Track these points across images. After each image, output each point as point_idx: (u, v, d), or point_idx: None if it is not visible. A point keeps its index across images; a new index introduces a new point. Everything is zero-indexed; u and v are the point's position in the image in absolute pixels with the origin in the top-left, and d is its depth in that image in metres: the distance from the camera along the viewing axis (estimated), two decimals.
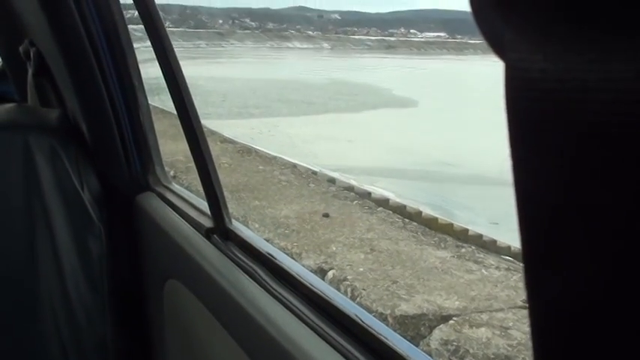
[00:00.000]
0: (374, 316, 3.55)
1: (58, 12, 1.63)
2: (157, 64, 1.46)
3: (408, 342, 1.01)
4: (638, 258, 0.22)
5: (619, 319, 0.23)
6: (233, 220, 1.44)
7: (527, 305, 0.26)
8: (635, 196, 0.21)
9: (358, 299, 4.00)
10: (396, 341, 0.97)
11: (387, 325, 2.92)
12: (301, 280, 1.18)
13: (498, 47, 0.25)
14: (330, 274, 4.42)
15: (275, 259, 1.26)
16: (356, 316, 1.04)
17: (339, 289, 4.06)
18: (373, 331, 0.99)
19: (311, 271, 4.08)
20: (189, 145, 1.45)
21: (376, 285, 4.08)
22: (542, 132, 0.23)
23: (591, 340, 0.24)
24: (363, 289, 4.11)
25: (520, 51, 0.24)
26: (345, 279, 4.29)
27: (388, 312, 4.03)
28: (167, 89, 1.45)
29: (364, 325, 1.01)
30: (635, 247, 0.22)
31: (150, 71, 1.83)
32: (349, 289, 4.16)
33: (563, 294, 0.24)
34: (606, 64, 0.21)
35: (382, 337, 0.98)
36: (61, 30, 1.66)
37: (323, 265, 4.55)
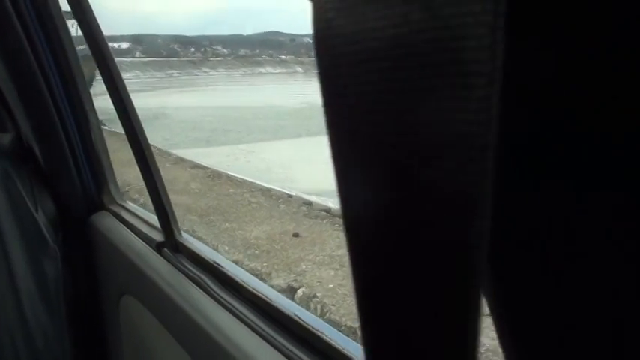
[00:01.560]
0: (343, 329, 3.55)
1: (6, 37, 1.65)
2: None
3: (345, 336, 1.04)
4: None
5: None
6: (183, 233, 1.46)
7: None
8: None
9: (328, 315, 4.01)
10: (334, 336, 1.00)
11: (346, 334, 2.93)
12: (245, 285, 1.21)
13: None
14: (300, 291, 4.42)
15: (221, 267, 1.29)
16: (295, 315, 1.07)
17: (308, 307, 4.06)
18: (311, 328, 1.02)
19: (280, 290, 4.08)
20: (139, 165, 1.48)
21: (345, 300, 4.08)
22: (344, 87, 0.23)
23: None
24: (333, 305, 4.11)
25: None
26: (315, 296, 4.29)
27: (358, 325, 4.02)
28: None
29: (303, 323, 1.04)
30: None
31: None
32: (319, 306, 4.16)
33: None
34: (383, 10, 0.21)
35: (319, 333, 1.01)
36: (9, 55, 1.69)
37: (292, 283, 4.55)
